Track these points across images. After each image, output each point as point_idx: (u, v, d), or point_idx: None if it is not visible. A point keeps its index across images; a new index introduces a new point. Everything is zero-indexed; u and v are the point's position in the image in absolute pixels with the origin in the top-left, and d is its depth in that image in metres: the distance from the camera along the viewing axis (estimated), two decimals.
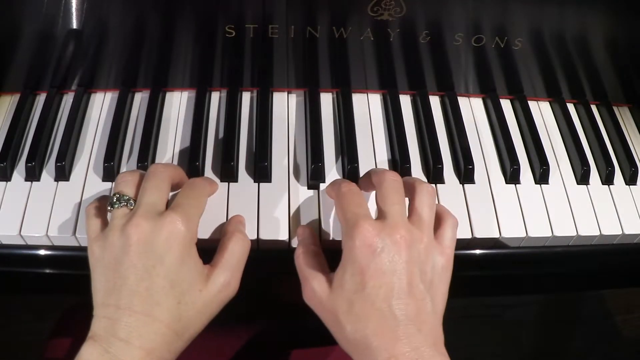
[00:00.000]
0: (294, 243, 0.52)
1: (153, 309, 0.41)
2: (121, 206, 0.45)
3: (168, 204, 0.46)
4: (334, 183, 0.50)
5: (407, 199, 0.47)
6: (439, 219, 0.47)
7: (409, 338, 0.40)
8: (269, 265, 0.54)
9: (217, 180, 0.54)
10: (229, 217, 0.52)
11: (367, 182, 0.50)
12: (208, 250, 0.46)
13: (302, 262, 0.46)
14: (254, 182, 0.55)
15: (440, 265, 0.45)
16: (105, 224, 0.46)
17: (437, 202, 0.53)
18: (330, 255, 0.47)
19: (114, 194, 0.46)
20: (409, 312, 0.41)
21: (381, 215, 0.44)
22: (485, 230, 0.54)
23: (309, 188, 0.55)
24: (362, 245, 0.42)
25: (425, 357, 0.40)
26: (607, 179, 0.60)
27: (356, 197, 0.46)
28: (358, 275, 0.42)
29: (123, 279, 0.41)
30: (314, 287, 0.44)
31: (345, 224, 0.44)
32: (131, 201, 0.45)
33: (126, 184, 0.46)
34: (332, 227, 0.52)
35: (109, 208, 0.45)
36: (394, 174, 0.47)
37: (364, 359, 0.41)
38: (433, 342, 0.41)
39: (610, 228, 0.57)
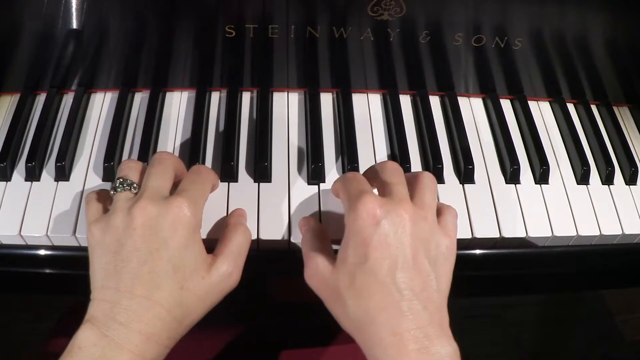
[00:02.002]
0: (294, 243, 0.52)
1: (154, 293, 0.41)
2: (125, 190, 0.44)
3: (171, 192, 0.46)
4: (339, 178, 0.49)
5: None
6: (440, 211, 0.47)
7: (414, 315, 0.39)
8: (269, 265, 0.54)
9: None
10: (231, 211, 0.52)
11: (367, 175, 0.50)
12: (208, 250, 0.46)
13: (309, 240, 0.46)
14: (254, 182, 0.55)
15: (444, 245, 0.43)
16: (105, 209, 0.46)
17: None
18: None
19: (118, 178, 0.45)
20: (414, 287, 0.40)
21: (385, 193, 0.44)
22: (485, 230, 0.54)
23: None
24: (366, 216, 0.41)
25: (431, 337, 0.38)
26: (607, 179, 0.60)
27: (361, 179, 0.46)
28: (361, 247, 0.41)
29: (125, 262, 0.41)
30: (318, 262, 0.43)
31: (348, 201, 0.43)
32: (135, 185, 0.45)
33: (130, 169, 0.46)
34: (332, 227, 0.52)
35: (111, 192, 0.45)
36: (394, 162, 0.47)
37: (366, 337, 0.40)
38: (439, 322, 0.40)
39: (610, 228, 0.57)
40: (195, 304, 0.43)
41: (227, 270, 0.44)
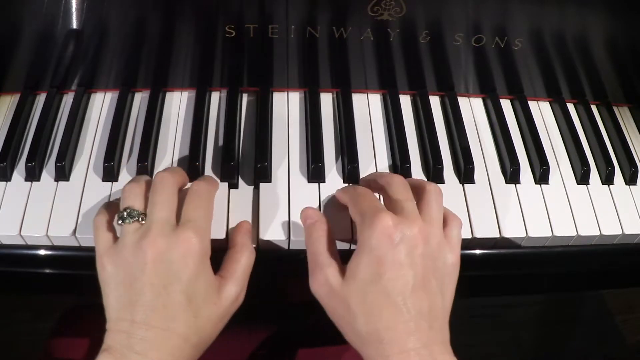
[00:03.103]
0: (294, 243, 0.52)
1: (170, 324, 0.41)
2: (132, 222, 0.44)
3: (177, 210, 0.46)
4: (346, 188, 0.50)
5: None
6: (445, 220, 0.48)
7: (420, 333, 0.40)
8: (269, 265, 0.54)
9: (218, 181, 0.54)
10: (229, 217, 0.52)
11: (370, 185, 0.50)
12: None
13: (317, 247, 0.46)
14: (254, 182, 0.55)
15: (450, 263, 0.45)
16: (115, 237, 0.46)
17: None
18: None
19: (124, 209, 0.45)
20: (422, 307, 0.41)
21: (397, 210, 0.44)
22: (485, 230, 0.54)
23: (308, 188, 0.55)
24: (382, 235, 0.41)
25: (435, 354, 0.40)
26: (607, 179, 0.60)
27: (373, 197, 0.47)
28: (375, 266, 0.41)
29: (139, 295, 0.41)
30: (327, 273, 0.44)
31: (362, 218, 0.44)
32: (142, 216, 0.45)
33: (135, 196, 0.46)
34: (332, 227, 0.52)
35: (119, 222, 0.45)
36: (400, 176, 0.48)
37: (373, 352, 0.41)
38: (442, 340, 0.41)
39: (610, 228, 0.57)
40: (210, 329, 0.44)
41: (235, 294, 0.45)
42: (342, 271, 0.44)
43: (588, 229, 0.56)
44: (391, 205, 0.46)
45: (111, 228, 0.46)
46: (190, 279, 0.42)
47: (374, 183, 0.49)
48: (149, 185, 0.47)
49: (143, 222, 0.44)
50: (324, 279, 0.44)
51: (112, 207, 0.48)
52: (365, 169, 0.57)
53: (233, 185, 0.55)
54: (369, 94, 0.65)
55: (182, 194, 0.47)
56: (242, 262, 0.47)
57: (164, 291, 0.41)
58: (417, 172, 0.58)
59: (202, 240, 0.43)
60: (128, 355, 0.40)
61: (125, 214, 0.45)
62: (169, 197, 0.45)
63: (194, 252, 0.42)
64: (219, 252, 0.48)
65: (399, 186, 0.46)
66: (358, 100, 0.63)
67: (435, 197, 0.46)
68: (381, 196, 0.49)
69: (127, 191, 0.47)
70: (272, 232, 0.52)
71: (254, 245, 0.51)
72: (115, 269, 0.43)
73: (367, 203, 0.45)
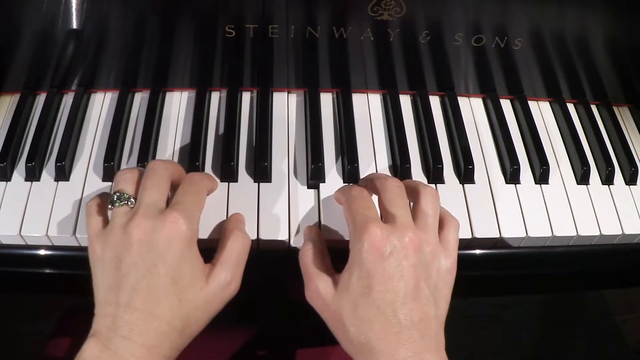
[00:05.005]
0: (294, 243, 0.52)
1: (154, 306, 0.41)
2: (122, 205, 0.45)
3: (168, 201, 0.46)
4: (343, 188, 0.50)
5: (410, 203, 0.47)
6: (442, 222, 0.47)
7: (411, 343, 0.40)
8: (269, 265, 0.54)
9: (217, 180, 0.54)
10: (229, 216, 0.52)
11: (367, 186, 0.50)
12: (208, 250, 0.46)
13: (308, 261, 0.46)
14: (254, 182, 0.55)
15: (445, 269, 0.45)
16: (106, 221, 0.46)
17: None
18: (330, 254, 0.47)
19: (114, 193, 0.45)
20: (414, 318, 0.41)
21: (389, 218, 0.44)
22: (485, 230, 0.54)
23: (308, 188, 0.55)
24: (371, 248, 0.41)
25: None
26: (607, 179, 0.60)
27: (366, 201, 0.46)
28: (365, 279, 0.42)
29: (124, 277, 0.41)
30: (319, 286, 0.44)
31: (353, 226, 0.44)
32: (132, 199, 0.45)
33: (126, 181, 0.46)
34: (331, 227, 0.52)
35: (109, 206, 0.45)
36: (396, 179, 0.47)
37: None
38: (435, 347, 0.41)
39: (610, 228, 0.57)
40: (196, 315, 0.43)
41: (225, 280, 0.44)
42: (335, 282, 0.44)
43: (588, 229, 0.56)
44: (384, 212, 0.45)
45: (103, 213, 0.47)
46: (175, 261, 0.42)
47: (371, 184, 0.49)
48: (142, 174, 0.47)
49: (132, 205, 0.45)
50: (316, 291, 0.44)
51: (105, 195, 0.49)
52: (365, 169, 0.57)
53: (233, 185, 0.55)
54: (369, 94, 0.65)
55: (176, 184, 0.48)
56: (232, 247, 0.46)
57: (147, 273, 0.41)
58: (417, 172, 0.58)
59: (189, 223, 0.43)
60: (113, 340, 0.40)
61: (115, 197, 0.45)
62: (159, 182, 0.45)
63: (179, 235, 0.42)
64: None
65: (392, 192, 0.46)
66: (358, 100, 0.63)
67: (431, 201, 0.46)
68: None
69: (119, 176, 0.47)
70: (272, 232, 0.52)
71: (254, 245, 0.51)
72: (103, 252, 0.43)
73: (359, 209, 0.45)
